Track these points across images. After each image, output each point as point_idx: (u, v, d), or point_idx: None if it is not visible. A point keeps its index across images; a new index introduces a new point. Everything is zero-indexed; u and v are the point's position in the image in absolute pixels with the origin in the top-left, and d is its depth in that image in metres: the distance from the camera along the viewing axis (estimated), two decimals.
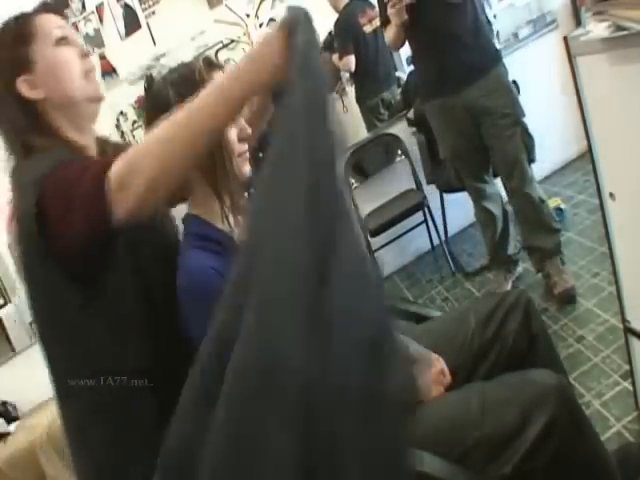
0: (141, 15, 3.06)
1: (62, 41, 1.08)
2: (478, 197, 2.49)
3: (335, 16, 3.31)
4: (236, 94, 0.84)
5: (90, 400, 1.04)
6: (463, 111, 2.27)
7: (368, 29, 3.27)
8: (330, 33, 3.39)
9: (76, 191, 0.87)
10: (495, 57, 2.28)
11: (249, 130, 1.09)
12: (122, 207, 0.84)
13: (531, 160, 2.37)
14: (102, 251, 0.92)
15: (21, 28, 1.07)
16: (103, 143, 1.18)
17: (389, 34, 2.30)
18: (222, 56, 3.15)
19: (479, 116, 2.27)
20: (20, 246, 0.96)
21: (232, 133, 1.06)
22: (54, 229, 0.89)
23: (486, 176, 2.48)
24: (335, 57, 3.38)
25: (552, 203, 2.70)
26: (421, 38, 2.27)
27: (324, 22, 3.35)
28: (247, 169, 1.10)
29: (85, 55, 1.11)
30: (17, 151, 1.06)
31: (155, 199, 0.85)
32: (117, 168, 0.84)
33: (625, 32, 0.98)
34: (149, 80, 1.12)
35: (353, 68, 3.31)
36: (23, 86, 1.05)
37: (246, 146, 1.10)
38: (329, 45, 3.43)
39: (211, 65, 1.07)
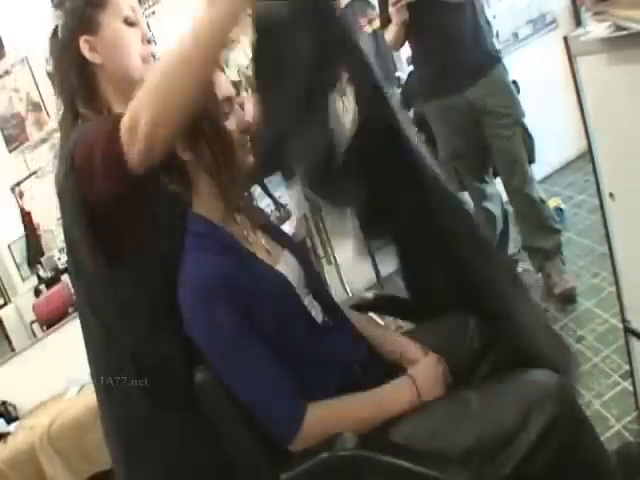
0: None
1: (130, 21, 1.12)
2: (478, 197, 2.49)
3: None
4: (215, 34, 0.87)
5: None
6: (463, 111, 2.27)
7: (368, 30, 3.27)
8: None
9: (95, 154, 0.93)
10: (495, 57, 2.28)
11: (249, 119, 1.09)
12: (135, 153, 0.89)
13: (531, 161, 2.37)
14: (126, 212, 0.98)
15: None
16: None
17: (390, 34, 2.30)
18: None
19: (479, 116, 2.27)
20: (62, 219, 1.05)
21: (232, 124, 1.06)
22: (85, 194, 0.96)
23: (486, 176, 2.48)
24: None
25: (552, 203, 2.70)
26: (421, 38, 2.27)
27: None
28: (250, 160, 1.10)
29: (148, 41, 1.15)
30: (66, 117, 1.11)
31: (162, 137, 0.88)
32: (125, 118, 0.89)
33: (625, 32, 0.98)
34: None
35: None
36: (85, 46, 1.09)
37: (247, 137, 1.09)
38: None
39: None
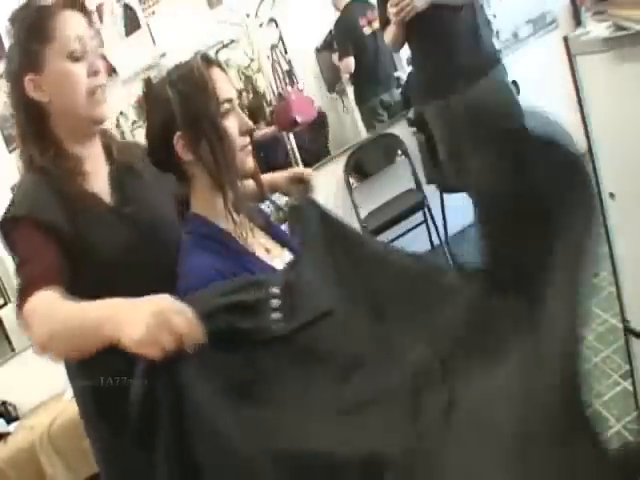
0: (141, 15, 3.06)
1: (75, 55, 1.08)
2: None
3: (336, 14, 3.31)
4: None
5: None
6: (462, 111, 2.27)
7: (367, 31, 3.27)
8: (331, 32, 3.39)
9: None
10: (494, 58, 2.28)
11: (250, 123, 1.08)
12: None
13: None
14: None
15: (41, 23, 1.06)
16: (109, 140, 1.20)
17: (388, 35, 2.30)
18: (222, 56, 3.15)
19: (479, 116, 2.27)
20: None
21: (233, 126, 1.05)
22: None
23: None
24: (335, 57, 3.38)
25: None
26: (420, 39, 2.27)
27: (325, 20, 3.35)
28: (250, 163, 1.09)
29: (94, 73, 1.10)
30: (22, 158, 1.11)
31: (48, 351, 0.92)
32: (25, 308, 0.96)
33: (625, 32, 0.98)
34: (147, 83, 1.12)
35: (352, 69, 3.31)
36: (29, 85, 1.07)
37: (248, 139, 1.09)
38: (329, 44, 3.43)
39: (209, 61, 1.06)
